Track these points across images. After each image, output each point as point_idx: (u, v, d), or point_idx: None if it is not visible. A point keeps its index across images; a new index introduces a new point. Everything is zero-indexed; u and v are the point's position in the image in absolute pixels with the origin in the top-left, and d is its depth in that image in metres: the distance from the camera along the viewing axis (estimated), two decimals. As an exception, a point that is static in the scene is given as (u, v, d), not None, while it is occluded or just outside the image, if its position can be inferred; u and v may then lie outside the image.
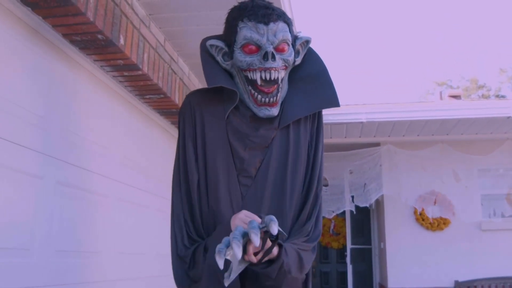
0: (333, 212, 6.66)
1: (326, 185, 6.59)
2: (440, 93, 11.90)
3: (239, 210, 1.45)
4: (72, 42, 2.31)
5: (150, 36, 2.85)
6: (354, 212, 6.75)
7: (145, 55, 2.74)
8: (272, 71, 1.44)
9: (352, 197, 6.59)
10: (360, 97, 32.30)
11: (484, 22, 33.17)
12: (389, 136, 6.42)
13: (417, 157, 6.40)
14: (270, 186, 1.49)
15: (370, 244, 7.70)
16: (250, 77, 1.47)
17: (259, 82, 1.45)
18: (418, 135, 6.39)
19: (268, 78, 1.44)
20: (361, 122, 5.77)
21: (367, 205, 6.57)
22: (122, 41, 2.43)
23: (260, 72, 1.44)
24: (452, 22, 34.98)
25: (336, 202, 6.61)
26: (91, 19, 2.11)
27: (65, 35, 2.24)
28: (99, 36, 2.26)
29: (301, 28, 3.34)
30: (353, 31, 38.83)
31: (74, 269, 2.34)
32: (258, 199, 1.49)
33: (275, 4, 1.54)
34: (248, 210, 1.42)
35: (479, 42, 31.90)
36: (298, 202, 1.53)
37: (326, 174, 6.56)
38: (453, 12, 34.83)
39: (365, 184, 6.49)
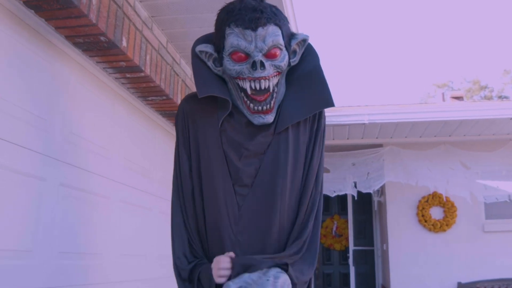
0: (334, 192, 6.56)
1: (328, 172, 6.54)
2: (443, 94, 11.91)
3: (236, 220, 1.42)
4: (75, 44, 2.31)
5: (153, 38, 2.86)
6: (356, 198, 6.67)
7: (148, 57, 2.75)
8: (262, 81, 1.36)
9: (355, 183, 6.54)
10: (362, 98, 32.29)
11: (484, 23, 33.12)
12: (391, 137, 6.41)
13: (419, 158, 6.38)
14: (268, 195, 1.43)
15: (372, 245, 7.68)
16: (241, 85, 1.40)
17: (249, 91, 1.39)
18: (420, 137, 6.37)
19: (258, 87, 1.37)
20: (364, 124, 5.75)
21: (370, 191, 6.49)
22: (124, 43, 2.44)
23: (250, 81, 1.37)
24: (453, 23, 34.92)
25: (338, 184, 6.52)
26: (94, 21, 2.12)
27: (67, 37, 2.25)
28: (102, 38, 2.26)
29: (303, 29, 3.34)
30: (355, 33, 38.81)
31: (76, 271, 2.34)
32: (255, 209, 1.43)
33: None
34: (245, 221, 1.40)
35: (480, 43, 31.85)
36: (295, 209, 1.46)
37: (328, 166, 6.52)
38: (453, 13, 34.79)
39: (368, 173, 6.45)
